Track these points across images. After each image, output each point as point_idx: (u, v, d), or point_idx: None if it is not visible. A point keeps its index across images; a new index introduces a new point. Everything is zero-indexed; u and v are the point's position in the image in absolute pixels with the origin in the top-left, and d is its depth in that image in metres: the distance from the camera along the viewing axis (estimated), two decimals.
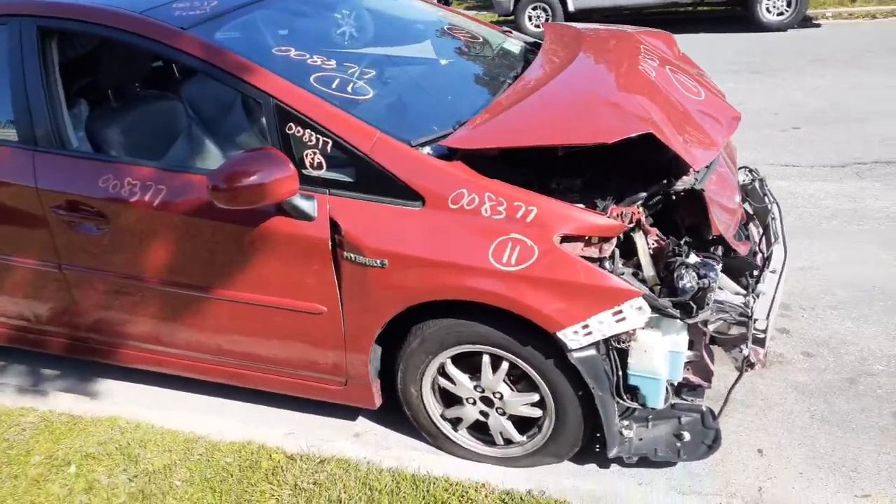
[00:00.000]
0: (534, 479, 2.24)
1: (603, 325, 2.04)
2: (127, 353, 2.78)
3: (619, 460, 2.36)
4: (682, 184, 2.26)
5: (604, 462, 2.42)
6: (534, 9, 10.12)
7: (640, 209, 2.25)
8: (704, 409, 2.35)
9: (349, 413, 2.70)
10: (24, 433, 2.57)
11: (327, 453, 2.38)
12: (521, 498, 2.17)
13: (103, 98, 2.87)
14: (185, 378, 2.74)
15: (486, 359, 2.27)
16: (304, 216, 2.21)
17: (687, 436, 2.31)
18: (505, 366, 2.26)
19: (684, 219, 2.32)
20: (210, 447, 2.44)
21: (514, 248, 2.04)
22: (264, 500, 2.22)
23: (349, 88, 2.35)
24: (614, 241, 2.10)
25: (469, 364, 2.34)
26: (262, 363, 2.57)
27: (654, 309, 2.04)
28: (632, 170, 2.37)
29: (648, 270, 2.16)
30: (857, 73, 6.53)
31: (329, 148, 2.20)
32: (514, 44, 3.22)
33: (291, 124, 2.22)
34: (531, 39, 3.38)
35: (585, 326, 2.04)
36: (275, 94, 2.23)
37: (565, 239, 2.05)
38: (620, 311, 2.02)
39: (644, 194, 2.21)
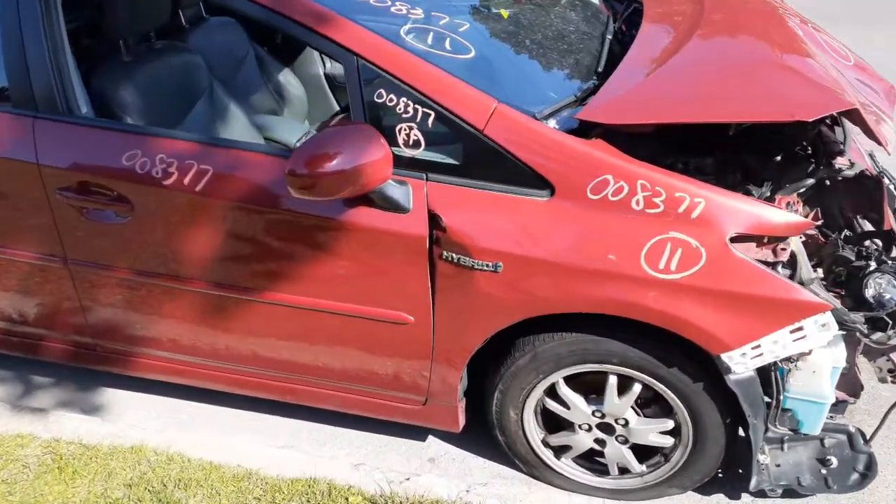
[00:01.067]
0: None
1: (777, 345, 1.67)
2: (147, 362, 2.31)
3: (744, 487, 2.02)
4: (852, 168, 1.88)
5: (731, 491, 2.09)
6: None
7: (798, 199, 1.87)
8: (852, 429, 2.02)
9: (414, 432, 2.29)
10: (27, 471, 2.09)
11: (414, 492, 1.98)
12: None
13: (112, 50, 2.33)
14: (198, 389, 2.31)
15: (612, 380, 1.88)
16: (396, 207, 1.77)
17: (834, 461, 1.97)
18: (636, 389, 1.88)
19: (845, 209, 1.96)
20: (268, 487, 2.01)
21: (675, 251, 1.64)
22: None
23: (447, 45, 1.89)
24: (791, 241, 1.71)
25: (581, 383, 1.96)
26: (322, 377, 2.14)
27: (841, 325, 1.68)
28: (762, 148, 1.99)
29: (807, 273, 1.79)
30: None
31: (430, 121, 1.75)
32: None
33: (382, 91, 1.76)
34: None
35: (756, 347, 1.67)
36: (362, 51, 1.76)
37: (734, 239, 1.66)
38: (801, 329, 1.65)
39: (812, 181, 1.82)
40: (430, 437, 2.30)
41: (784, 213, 1.67)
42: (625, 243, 1.66)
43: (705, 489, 2.06)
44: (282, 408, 2.33)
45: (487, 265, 1.74)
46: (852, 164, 1.89)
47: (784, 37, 2.03)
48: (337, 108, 3.59)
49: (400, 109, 1.76)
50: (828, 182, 1.97)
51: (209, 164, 1.90)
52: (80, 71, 2.13)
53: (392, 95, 1.75)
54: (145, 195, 1.95)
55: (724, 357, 1.68)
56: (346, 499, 1.95)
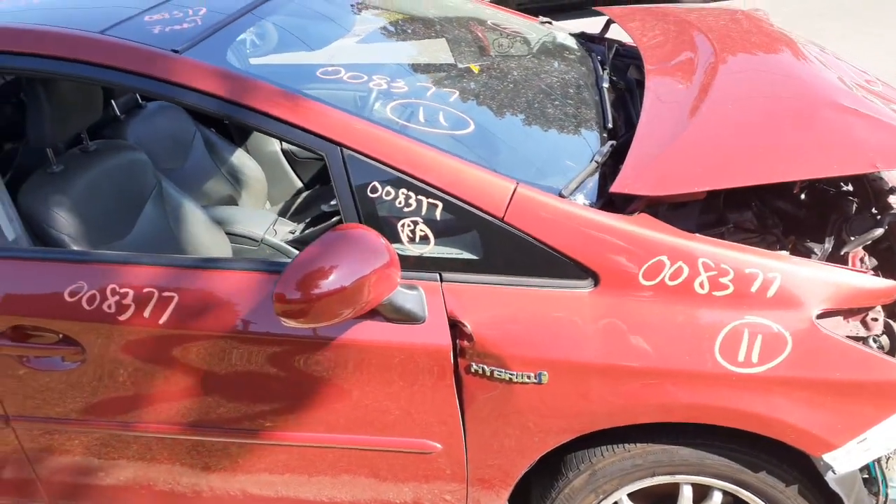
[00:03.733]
0: None
1: (887, 435, 1.40)
2: None
3: None
4: None
5: None
6: None
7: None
8: None
9: None
10: None
11: None
12: None
13: (39, 159, 1.99)
14: None
15: (686, 491, 1.59)
16: (409, 317, 1.46)
17: None
18: (717, 499, 1.58)
19: None
20: None
21: (755, 339, 1.36)
22: None
23: (441, 119, 1.61)
24: (881, 309, 1.45)
25: (646, 493, 1.66)
26: None
27: None
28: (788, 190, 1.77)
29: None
30: None
31: (438, 213, 1.46)
32: (564, 37, 2.53)
33: (376, 184, 1.46)
34: (574, 30, 2.70)
35: (863, 441, 1.40)
36: (346, 140, 1.46)
37: (820, 316, 1.40)
38: None
39: (881, 230, 1.58)
40: None
41: (874, 279, 1.41)
42: (693, 335, 1.38)
43: None
44: None
45: (529, 377, 1.44)
46: None
47: (818, 72, 1.81)
48: (299, 184, 3.29)
49: (400, 203, 1.46)
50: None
51: (173, 291, 1.57)
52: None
53: (389, 188, 1.46)
54: (98, 335, 1.60)
55: (827, 458, 1.40)
56: None
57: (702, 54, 1.92)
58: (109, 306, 1.58)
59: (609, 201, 1.52)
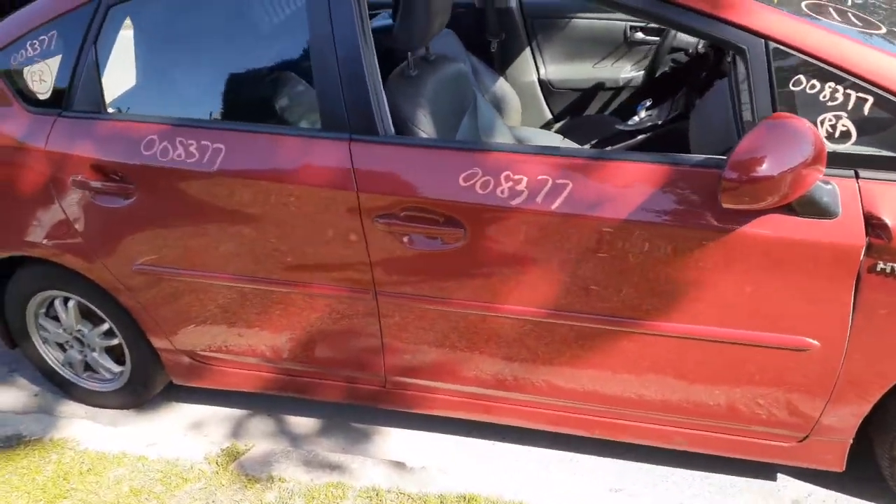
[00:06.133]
0: None
1: None
2: (447, 399, 2.09)
3: None
4: None
5: None
6: None
7: None
8: None
9: (754, 469, 2.00)
10: None
11: None
12: None
13: (396, 62, 2.14)
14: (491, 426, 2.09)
15: None
16: (822, 211, 1.48)
17: None
18: None
19: None
20: None
21: None
22: None
23: (852, 18, 1.60)
24: None
25: None
26: (668, 413, 1.86)
27: None
28: None
29: None
30: None
31: (865, 110, 1.46)
32: None
33: (801, 77, 1.48)
34: None
35: None
36: (774, 34, 1.49)
37: None
38: None
39: None
40: (781, 476, 2.00)
41: None
42: None
43: None
44: (597, 447, 2.09)
45: None
46: None
47: None
48: (549, 116, 3.37)
49: (825, 97, 1.47)
50: None
51: (568, 179, 1.66)
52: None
53: (815, 81, 1.47)
54: (484, 218, 1.72)
55: None
56: None
57: None
58: (503, 191, 1.69)
59: None
